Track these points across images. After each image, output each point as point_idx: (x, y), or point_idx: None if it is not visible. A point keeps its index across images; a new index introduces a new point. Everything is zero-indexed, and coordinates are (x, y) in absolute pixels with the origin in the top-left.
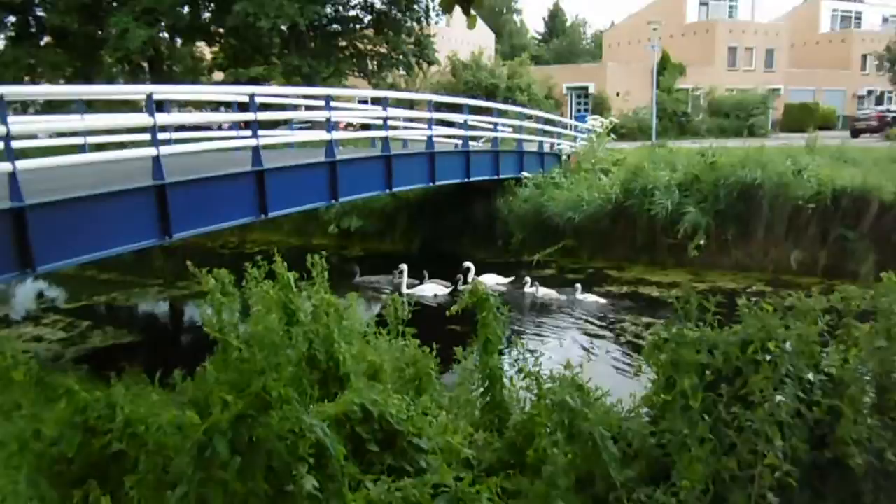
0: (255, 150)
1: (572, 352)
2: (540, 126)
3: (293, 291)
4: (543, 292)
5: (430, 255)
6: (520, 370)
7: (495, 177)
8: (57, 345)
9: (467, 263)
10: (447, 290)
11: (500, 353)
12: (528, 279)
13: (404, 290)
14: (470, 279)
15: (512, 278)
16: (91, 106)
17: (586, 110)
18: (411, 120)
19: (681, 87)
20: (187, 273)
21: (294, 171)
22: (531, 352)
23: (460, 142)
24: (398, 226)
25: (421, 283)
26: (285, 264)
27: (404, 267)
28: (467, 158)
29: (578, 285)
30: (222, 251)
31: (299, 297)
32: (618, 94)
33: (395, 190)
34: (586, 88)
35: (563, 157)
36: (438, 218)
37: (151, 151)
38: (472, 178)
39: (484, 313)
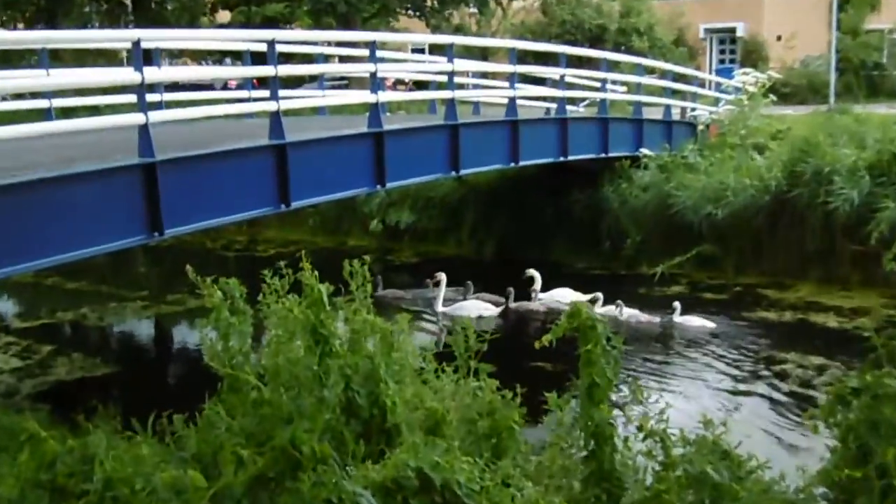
0: (275, 116)
1: (703, 401)
2: (666, 84)
3: (326, 310)
4: (628, 314)
5: (509, 262)
6: (639, 427)
7: (602, 155)
8: (10, 376)
9: (531, 271)
10: (496, 311)
11: (611, 402)
12: (598, 295)
13: (439, 307)
14: (535, 294)
15: (594, 296)
16: (57, 58)
17: (733, 62)
18: (485, 76)
19: (872, 27)
20: (177, 283)
21: (326, 145)
22: (645, 399)
23: (554, 106)
24: (465, 222)
25: (463, 298)
26: (315, 273)
27: (442, 277)
28: (563, 129)
29: (677, 304)
30: (225, 253)
31: (334, 318)
32: (779, 39)
33: (462, 173)
34: (733, 31)
35: (700, 128)
36: (521, 212)
37: (137, 118)
38: (569, 158)
39: (589, 346)
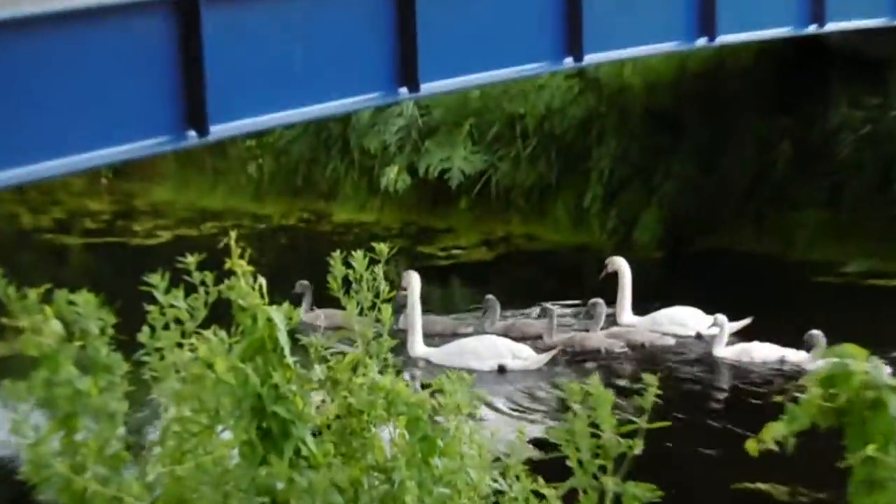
0: None
1: None
2: None
3: (285, 364)
4: (766, 354)
5: (693, 259)
6: None
7: None
8: None
9: (616, 262)
10: (535, 360)
11: None
12: (721, 318)
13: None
14: (599, 315)
15: (715, 318)
16: None
17: None
18: None
19: None
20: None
21: None
22: None
23: None
24: (593, 172)
25: (473, 331)
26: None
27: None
28: None
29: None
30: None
31: (306, 384)
32: None
33: (585, 62)
34: None
35: None
36: (718, 153)
37: None
38: (827, 28)
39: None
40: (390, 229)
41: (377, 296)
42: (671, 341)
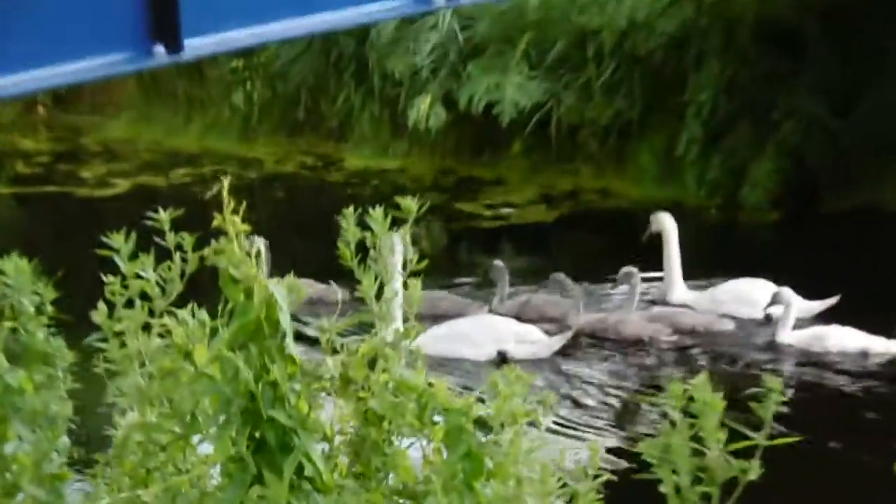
0: None
1: None
2: None
3: (286, 354)
4: (843, 342)
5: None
6: None
7: None
8: None
9: (661, 218)
10: (548, 345)
11: None
12: (786, 291)
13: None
14: (631, 292)
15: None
16: None
17: None
18: None
19: None
20: None
21: None
22: None
23: None
24: (692, 105)
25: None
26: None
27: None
28: None
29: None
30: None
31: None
32: None
33: None
34: None
35: None
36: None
37: None
38: None
39: None
40: (420, 180)
41: (403, 267)
42: (730, 325)
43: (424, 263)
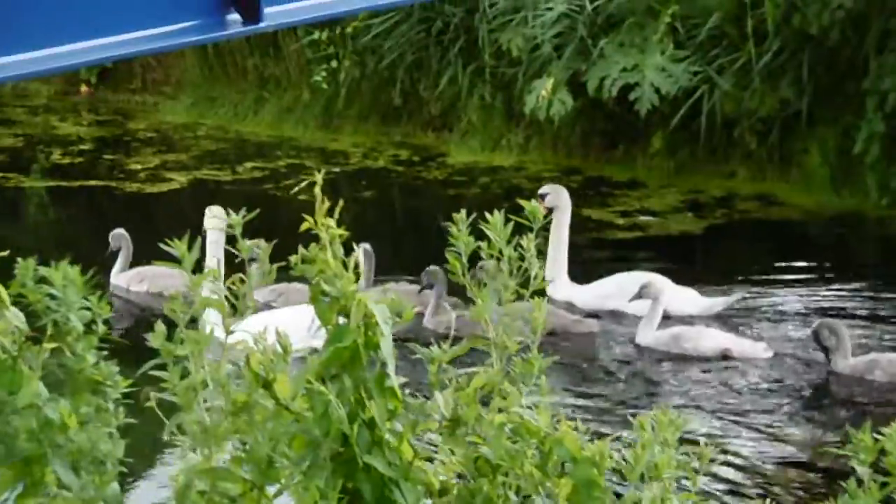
0: None
1: None
2: None
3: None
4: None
5: None
6: None
7: None
8: None
9: None
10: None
11: None
12: (652, 279)
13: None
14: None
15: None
16: None
17: None
18: None
19: None
20: None
21: None
22: None
23: None
24: None
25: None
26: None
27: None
28: None
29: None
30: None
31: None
32: None
33: None
34: None
35: None
36: None
37: None
38: None
39: None
40: (539, 179)
41: (524, 284)
42: (595, 326)
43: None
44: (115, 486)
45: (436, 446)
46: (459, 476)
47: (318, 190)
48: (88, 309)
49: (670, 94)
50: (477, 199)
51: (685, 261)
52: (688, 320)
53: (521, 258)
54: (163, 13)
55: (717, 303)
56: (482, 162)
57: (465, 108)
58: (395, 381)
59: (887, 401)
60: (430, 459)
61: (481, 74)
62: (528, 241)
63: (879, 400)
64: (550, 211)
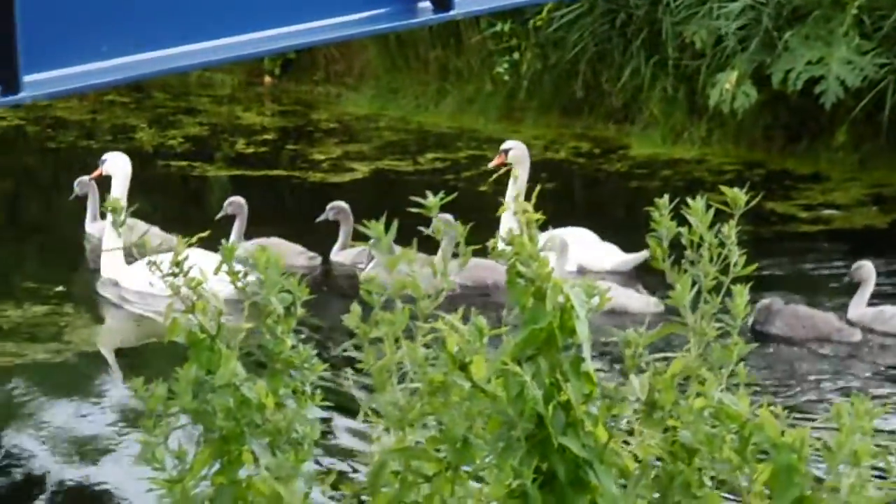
0: None
1: None
2: None
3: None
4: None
5: None
6: None
7: None
8: None
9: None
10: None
11: None
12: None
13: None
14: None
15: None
16: None
17: None
18: None
19: None
20: None
21: None
22: None
23: None
24: None
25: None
26: None
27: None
28: None
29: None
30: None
31: None
32: None
33: None
34: None
35: None
36: None
37: None
38: None
39: None
40: (720, 172)
41: (724, 271)
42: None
43: (754, 267)
44: (311, 465)
45: (629, 432)
46: (658, 459)
47: (516, 172)
48: (289, 291)
49: (855, 86)
50: (658, 192)
51: (870, 255)
52: (604, 276)
53: (721, 244)
54: (354, 1)
55: (631, 259)
56: (663, 154)
57: (647, 100)
58: (590, 364)
59: None
60: (626, 443)
61: (664, 67)
62: (730, 229)
63: None
64: (508, 166)
